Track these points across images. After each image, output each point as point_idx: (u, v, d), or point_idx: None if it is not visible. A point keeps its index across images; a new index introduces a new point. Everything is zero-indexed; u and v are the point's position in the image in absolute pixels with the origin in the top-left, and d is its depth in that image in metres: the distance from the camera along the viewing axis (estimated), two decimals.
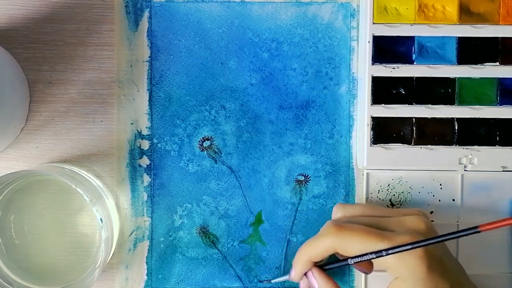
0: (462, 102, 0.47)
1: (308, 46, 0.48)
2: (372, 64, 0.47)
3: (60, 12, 0.48)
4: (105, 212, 0.44)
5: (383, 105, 0.47)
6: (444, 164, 0.47)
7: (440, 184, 0.47)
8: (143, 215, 0.48)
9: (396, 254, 0.39)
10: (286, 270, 0.48)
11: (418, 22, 0.47)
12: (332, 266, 0.43)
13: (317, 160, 0.48)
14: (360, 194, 0.48)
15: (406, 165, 0.47)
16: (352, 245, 0.41)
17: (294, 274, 0.44)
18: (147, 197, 0.48)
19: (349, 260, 0.41)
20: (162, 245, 0.48)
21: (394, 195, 0.47)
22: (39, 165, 0.48)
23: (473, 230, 0.38)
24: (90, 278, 0.44)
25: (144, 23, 0.48)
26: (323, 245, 0.42)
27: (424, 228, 0.42)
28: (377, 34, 0.47)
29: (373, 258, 0.40)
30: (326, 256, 0.43)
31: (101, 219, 0.42)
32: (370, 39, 0.47)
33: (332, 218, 0.45)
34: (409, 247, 0.39)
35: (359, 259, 0.41)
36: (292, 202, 0.48)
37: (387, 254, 0.39)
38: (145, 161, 0.48)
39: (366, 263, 0.44)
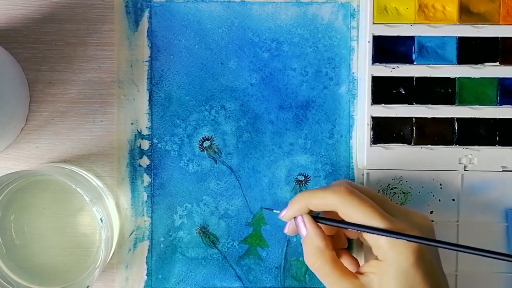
0: (462, 102, 0.47)
1: (308, 46, 0.48)
2: (372, 64, 0.47)
3: (60, 12, 0.48)
4: (105, 212, 0.44)
5: (383, 105, 0.47)
6: (444, 164, 0.47)
7: (440, 184, 0.47)
8: (143, 215, 0.48)
9: (390, 239, 0.39)
10: (287, 269, 0.48)
11: (418, 22, 0.47)
12: (326, 222, 0.42)
13: (317, 160, 0.48)
14: None
15: (406, 165, 0.47)
16: (354, 213, 0.40)
17: (286, 213, 0.43)
18: (147, 197, 0.48)
19: (348, 226, 0.41)
20: (162, 245, 0.48)
21: (394, 195, 0.47)
22: (39, 165, 0.48)
23: (509, 257, 0.37)
24: (90, 278, 0.44)
25: (144, 23, 0.48)
26: (326, 199, 0.41)
27: (429, 225, 0.42)
28: (377, 34, 0.47)
29: (370, 233, 0.40)
30: (324, 210, 0.42)
31: (101, 219, 0.42)
32: (370, 39, 0.47)
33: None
34: (409, 238, 0.39)
35: (357, 228, 0.40)
36: None
37: (384, 236, 0.39)
38: (145, 161, 0.48)
39: (356, 264, 0.44)
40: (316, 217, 0.43)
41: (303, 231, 0.42)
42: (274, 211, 0.46)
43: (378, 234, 0.39)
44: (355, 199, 0.40)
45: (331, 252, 0.41)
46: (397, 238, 0.39)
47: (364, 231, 0.40)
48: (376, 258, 0.41)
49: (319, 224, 0.42)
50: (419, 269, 0.39)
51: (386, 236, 0.39)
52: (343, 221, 0.41)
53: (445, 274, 0.42)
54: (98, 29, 0.48)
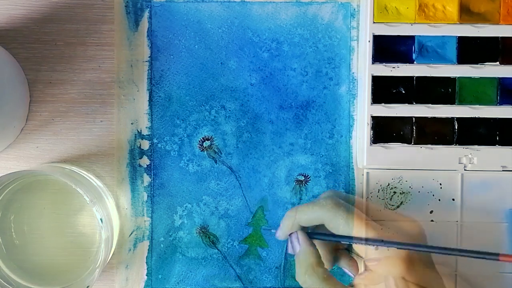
0: (462, 102, 0.47)
1: (308, 46, 0.48)
2: (372, 63, 0.47)
3: (60, 12, 0.48)
4: (105, 212, 0.44)
5: (383, 104, 0.47)
6: (444, 163, 0.47)
7: (440, 184, 0.47)
8: (143, 215, 0.48)
9: (380, 250, 0.39)
10: (287, 269, 0.48)
11: (418, 21, 0.47)
12: (320, 237, 0.43)
13: (317, 160, 0.48)
14: (360, 194, 0.48)
15: (406, 164, 0.47)
16: (342, 225, 0.41)
17: (280, 233, 0.44)
18: (147, 197, 0.48)
19: (341, 239, 0.41)
20: (162, 245, 0.48)
21: (394, 194, 0.47)
22: (39, 165, 0.48)
23: (493, 256, 0.38)
24: (90, 278, 0.44)
25: (144, 23, 0.48)
26: (313, 213, 0.42)
27: (416, 232, 0.41)
28: (377, 33, 0.47)
29: (360, 244, 0.40)
30: (313, 224, 0.43)
31: (101, 219, 0.42)
32: (370, 38, 0.47)
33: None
34: (396, 246, 0.39)
35: (349, 241, 0.41)
36: (292, 202, 0.48)
37: (374, 246, 0.39)
38: (145, 161, 0.48)
39: (355, 265, 0.44)
40: (311, 233, 0.43)
41: (297, 248, 0.43)
42: (272, 231, 0.46)
43: (368, 245, 0.39)
44: (342, 212, 0.41)
45: (323, 269, 0.42)
46: (387, 246, 0.39)
47: (356, 243, 0.40)
48: (369, 269, 0.41)
49: (314, 240, 0.43)
50: (410, 278, 0.39)
51: (377, 245, 0.39)
52: (337, 235, 0.41)
53: (441, 277, 0.42)
54: (98, 29, 0.48)
